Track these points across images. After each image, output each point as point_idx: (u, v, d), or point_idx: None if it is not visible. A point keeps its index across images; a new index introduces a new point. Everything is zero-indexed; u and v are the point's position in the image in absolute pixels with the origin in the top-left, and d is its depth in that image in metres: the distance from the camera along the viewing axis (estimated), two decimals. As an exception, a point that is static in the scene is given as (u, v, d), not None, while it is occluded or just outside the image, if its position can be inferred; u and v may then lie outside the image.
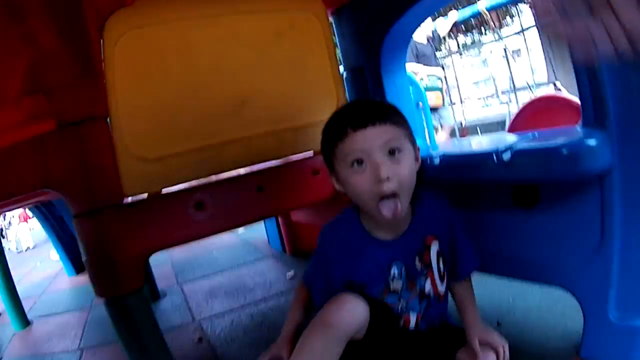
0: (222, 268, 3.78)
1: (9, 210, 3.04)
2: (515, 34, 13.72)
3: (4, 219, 12.11)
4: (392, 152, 1.39)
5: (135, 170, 1.72)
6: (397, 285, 1.53)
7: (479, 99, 16.32)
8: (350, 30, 2.31)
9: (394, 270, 1.52)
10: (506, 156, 1.54)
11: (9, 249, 10.07)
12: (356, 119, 1.41)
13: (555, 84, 9.25)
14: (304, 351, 1.35)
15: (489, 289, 2.14)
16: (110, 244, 1.68)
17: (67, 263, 4.92)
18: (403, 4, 1.97)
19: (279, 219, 3.63)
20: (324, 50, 2.12)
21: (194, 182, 1.86)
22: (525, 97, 8.44)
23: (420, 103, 3.75)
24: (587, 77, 1.41)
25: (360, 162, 1.39)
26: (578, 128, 1.47)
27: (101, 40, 1.68)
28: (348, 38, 2.33)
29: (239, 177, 1.99)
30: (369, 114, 1.42)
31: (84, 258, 1.72)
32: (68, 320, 3.36)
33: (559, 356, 1.60)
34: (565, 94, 4.99)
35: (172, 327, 2.65)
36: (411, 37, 2.29)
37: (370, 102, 1.69)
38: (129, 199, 1.76)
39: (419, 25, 2.27)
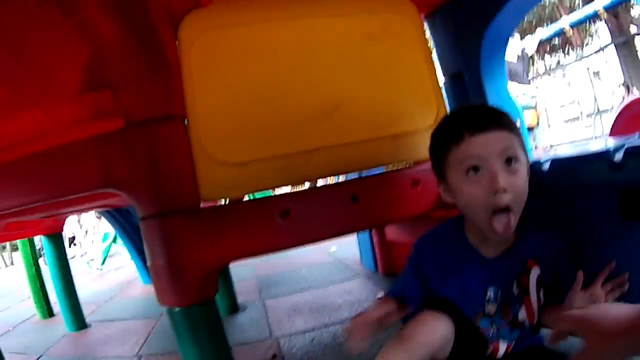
0: (310, 286, 3.67)
1: (75, 212, 3.10)
2: (596, 52, 13.66)
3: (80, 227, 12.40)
4: (509, 161, 1.31)
5: (214, 174, 1.64)
6: (491, 309, 1.46)
7: (565, 121, 15.99)
8: (445, 34, 2.24)
9: (490, 293, 1.45)
10: (618, 156, 1.39)
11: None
12: (474, 122, 1.33)
13: (627, 86, 8.94)
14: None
15: None
16: (181, 250, 1.58)
17: (142, 271, 4.94)
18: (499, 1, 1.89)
19: (373, 238, 3.53)
20: (420, 55, 2.01)
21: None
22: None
23: (518, 121, 3.63)
24: None
25: (476, 169, 1.31)
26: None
27: (176, 40, 1.65)
28: (443, 42, 2.26)
29: (332, 185, 1.90)
30: (487, 118, 1.34)
31: (149, 263, 1.63)
32: (131, 327, 3.33)
33: None
34: None
35: (245, 342, 2.56)
36: (509, 37, 2.19)
37: (486, 106, 1.52)
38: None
39: (516, 24, 2.17)
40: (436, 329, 1.33)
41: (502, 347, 1.47)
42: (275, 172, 1.71)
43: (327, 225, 1.79)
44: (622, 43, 13.87)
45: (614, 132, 4.69)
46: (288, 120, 1.74)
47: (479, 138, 1.30)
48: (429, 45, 2.11)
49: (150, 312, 3.60)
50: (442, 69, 2.26)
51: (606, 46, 13.90)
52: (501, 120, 1.35)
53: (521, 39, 7.27)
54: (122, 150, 1.60)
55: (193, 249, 1.59)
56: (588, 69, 13.03)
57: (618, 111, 4.85)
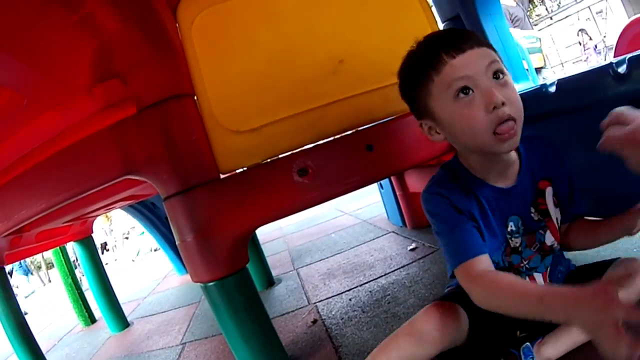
0: (341, 249, 3.68)
1: (102, 210, 3.13)
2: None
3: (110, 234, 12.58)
4: (497, 76, 1.23)
5: (230, 144, 1.67)
6: (516, 242, 1.40)
7: (574, 62, 15.83)
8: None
9: (511, 226, 1.39)
10: (622, 69, 1.36)
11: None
12: (451, 43, 1.24)
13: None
14: (391, 349, 1.30)
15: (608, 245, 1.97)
16: (207, 222, 1.62)
17: (177, 262, 4.98)
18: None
19: (397, 192, 3.52)
20: (417, 4, 2.00)
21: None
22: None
23: (525, 63, 3.60)
24: None
25: (466, 90, 1.21)
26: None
27: (176, 22, 1.69)
28: None
29: (345, 136, 1.88)
30: (464, 37, 1.25)
31: (178, 242, 1.66)
32: (172, 318, 3.38)
33: None
34: None
35: (285, 312, 2.59)
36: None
37: (454, 28, 1.49)
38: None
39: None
40: (447, 326, 1.29)
41: (539, 279, 1.42)
42: (290, 134, 1.73)
43: (347, 177, 1.79)
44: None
45: (617, 53, 4.60)
46: (295, 81, 1.75)
47: (461, 58, 1.22)
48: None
49: (189, 300, 3.67)
50: (439, 14, 2.26)
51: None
52: (477, 37, 1.27)
53: None
54: (137, 135, 1.63)
55: (218, 219, 1.62)
56: (590, 7, 12.82)
57: (620, 32, 4.77)
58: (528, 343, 1.41)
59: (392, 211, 3.83)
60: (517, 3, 6.62)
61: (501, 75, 1.23)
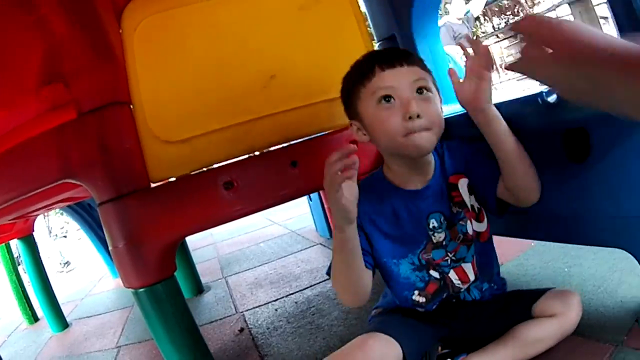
0: (269, 259, 3.74)
1: (42, 210, 3.12)
2: (548, 10, 13.65)
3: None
4: (420, 91, 1.38)
5: (161, 154, 1.69)
6: (439, 237, 1.51)
7: (518, 80, 16.12)
8: (377, -1, 2.26)
9: (433, 222, 1.51)
10: (552, 98, 1.38)
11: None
12: (385, 59, 1.40)
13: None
14: None
15: (543, 260, 2.10)
16: (137, 230, 1.64)
17: (111, 265, 4.90)
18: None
19: (325, 206, 3.55)
20: (353, 22, 2.04)
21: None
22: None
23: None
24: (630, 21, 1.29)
25: (388, 98, 1.37)
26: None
27: (120, 29, 1.69)
28: (376, 6, 2.29)
29: (271, 152, 1.92)
30: (398, 55, 1.41)
31: (110, 248, 1.68)
32: (108, 320, 3.38)
33: (618, 326, 1.48)
34: None
35: (213, 320, 2.62)
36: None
37: (396, 47, 1.64)
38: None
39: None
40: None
41: (469, 270, 1.54)
42: (219, 146, 1.75)
43: (270, 191, 1.82)
44: (577, 0, 13.83)
45: None
46: (227, 94, 1.77)
47: (390, 71, 1.37)
48: (361, 10, 2.13)
49: (124, 303, 3.66)
50: (375, 33, 2.30)
51: (559, 4, 13.85)
52: (412, 57, 1.42)
53: (466, 2, 7.30)
54: (76, 140, 1.66)
55: (148, 227, 1.64)
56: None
57: None
58: (450, 359, 1.48)
59: (320, 223, 3.90)
60: (462, 21, 6.73)
61: (425, 91, 1.39)
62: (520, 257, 2.19)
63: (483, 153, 1.51)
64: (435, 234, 1.51)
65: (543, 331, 1.41)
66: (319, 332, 2.03)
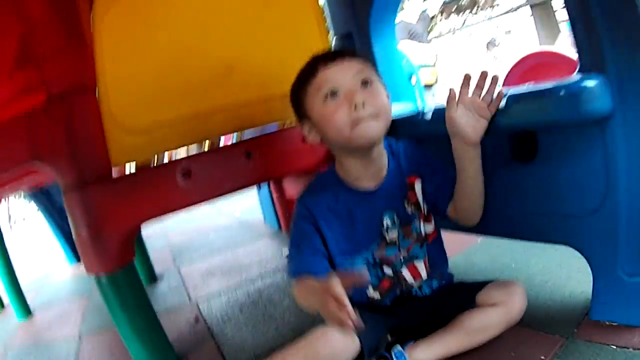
0: (219, 249, 3.75)
1: (6, 194, 3.08)
2: (507, 12, 13.77)
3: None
4: (365, 83, 1.42)
5: (122, 141, 1.70)
6: (393, 235, 1.56)
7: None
8: (337, -5, 2.29)
9: (387, 221, 1.55)
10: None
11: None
12: (326, 56, 1.45)
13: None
14: None
15: (491, 255, 2.16)
16: (100, 217, 1.65)
17: (68, 252, 4.87)
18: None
19: (274, 197, 3.62)
20: (312, 18, 2.10)
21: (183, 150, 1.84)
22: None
23: (414, 77, 3.70)
24: (582, 21, 1.33)
25: (334, 93, 1.41)
26: (575, 75, 1.38)
27: (91, 13, 1.68)
28: (335, 4, 2.30)
29: (228, 145, 2.00)
30: (338, 52, 1.47)
31: (74, 235, 1.70)
32: (69, 308, 3.34)
33: (568, 321, 1.53)
34: (554, 48, 4.88)
35: (168, 309, 2.63)
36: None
37: (339, 48, 1.71)
38: (118, 170, 1.76)
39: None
40: (347, 351, 1.39)
41: (421, 266, 1.59)
42: (177, 134, 1.79)
43: (226, 181, 1.88)
44: (538, 3, 13.89)
45: (506, 83, 4.76)
46: (188, 84, 1.80)
47: (332, 68, 1.42)
48: (321, 8, 2.19)
49: (81, 291, 3.63)
50: (333, 29, 2.33)
51: (519, 7, 13.92)
52: (352, 53, 1.48)
53: (423, 0, 7.40)
54: (45, 123, 1.67)
55: (110, 215, 1.66)
56: (497, 27, 13.08)
57: (511, 65, 4.92)
58: (399, 345, 1.49)
59: (269, 214, 3.92)
60: (418, 19, 6.81)
61: (369, 84, 1.42)
62: (466, 252, 2.25)
63: (439, 163, 1.59)
64: (389, 232, 1.55)
65: (487, 319, 1.46)
66: (272, 321, 2.07)
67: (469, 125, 1.39)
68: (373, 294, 1.60)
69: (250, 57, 1.94)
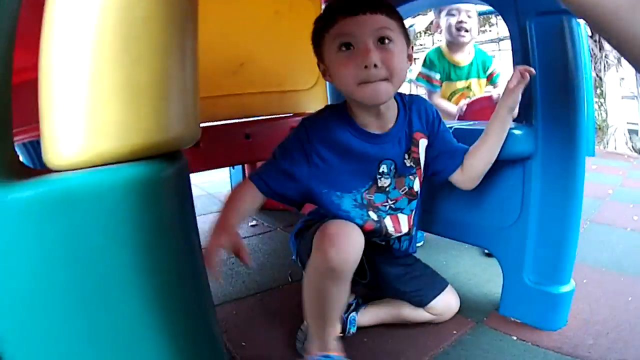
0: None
1: None
2: (490, 41, 13.80)
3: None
4: (382, 41, 1.37)
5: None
6: (385, 182, 1.55)
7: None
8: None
9: (383, 167, 1.53)
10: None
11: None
12: (348, 7, 1.37)
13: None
14: (322, 299, 1.38)
15: (427, 252, 2.43)
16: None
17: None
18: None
19: (246, 172, 3.65)
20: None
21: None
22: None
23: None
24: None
25: (348, 45, 1.36)
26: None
27: None
28: None
29: (230, 124, 2.28)
30: (362, 3, 1.38)
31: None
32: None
33: (480, 310, 1.83)
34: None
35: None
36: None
37: None
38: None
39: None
40: (354, 247, 1.36)
41: (403, 221, 1.61)
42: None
43: (228, 154, 2.19)
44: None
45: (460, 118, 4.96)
46: (205, 71, 2.02)
47: (351, 19, 1.35)
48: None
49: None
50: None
51: (503, 38, 13.85)
52: (377, 4, 1.38)
53: (413, 17, 7.57)
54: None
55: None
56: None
57: (463, 108, 5.10)
58: (354, 313, 1.70)
59: (237, 187, 3.98)
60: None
61: (387, 41, 1.36)
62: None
63: (449, 133, 1.64)
64: (382, 179, 1.53)
65: (422, 318, 1.71)
66: (239, 276, 2.31)
67: (514, 91, 1.49)
68: None
69: (259, 58, 2.24)
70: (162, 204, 0.63)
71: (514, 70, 1.49)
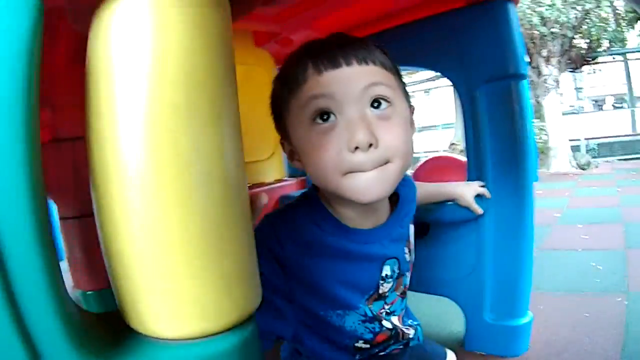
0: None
1: None
2: (428, 79, 13.93)
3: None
4: (377, 104, 0.95)
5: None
6: (386, 287, 1.16)
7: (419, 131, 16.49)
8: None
9: (387, 270, 1.14)
10: None
11: None
12: (324, 53, 0.95)
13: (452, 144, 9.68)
14: None
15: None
16: (94, 245, 1.72)
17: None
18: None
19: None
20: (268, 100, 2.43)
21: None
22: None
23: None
24: (473, 146, 1.79)
25: (326, 115, 0.94)
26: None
27: None
28: None
29: None
30: (346, 49, 0.95)
31: (67, 256, 1.98)
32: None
33: (447, 347, 1.69)
34: (456, 154, 5.24)
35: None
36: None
37: (346, 35, 1.03)
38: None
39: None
40: None
41: (395, 322, 1.21)
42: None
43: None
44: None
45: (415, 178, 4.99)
46: None
47: (330, 74, 0.93)
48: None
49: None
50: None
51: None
52: (368, 52, 0.96)
53: None
54: (53, 160, 1.81)
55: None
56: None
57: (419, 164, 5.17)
58: None
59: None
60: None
61: (384, 103, 0.95)
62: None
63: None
64: (385, 284, 1.14)
65: None
66: None
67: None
68: (362, 344, 1.18)
69: (250, 128, 2.15)
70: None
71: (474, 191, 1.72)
